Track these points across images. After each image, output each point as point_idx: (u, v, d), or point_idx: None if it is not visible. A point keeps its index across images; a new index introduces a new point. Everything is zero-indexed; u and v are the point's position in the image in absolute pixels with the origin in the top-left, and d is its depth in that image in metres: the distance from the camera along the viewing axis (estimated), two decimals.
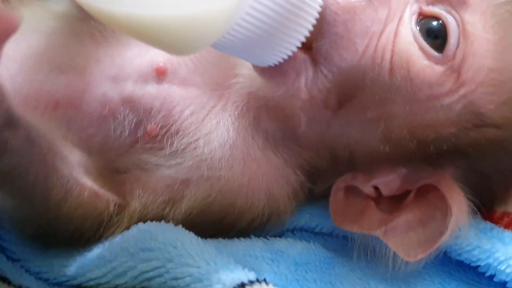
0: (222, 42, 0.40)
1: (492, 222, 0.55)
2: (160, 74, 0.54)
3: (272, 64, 0.44)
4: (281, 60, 0.43)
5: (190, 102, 0.54)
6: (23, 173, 0.44)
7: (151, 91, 0.54)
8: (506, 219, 0.55)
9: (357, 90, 0.46)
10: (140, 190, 0.52)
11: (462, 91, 0.46)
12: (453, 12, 0.46)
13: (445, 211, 0.48)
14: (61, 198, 0.48)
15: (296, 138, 0.52)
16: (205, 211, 0.52)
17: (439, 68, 0.46)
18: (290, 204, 0.54)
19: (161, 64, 0.54)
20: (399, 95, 0.46)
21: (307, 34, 0.42)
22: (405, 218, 0.50)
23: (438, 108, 0.46)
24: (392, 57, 0.46)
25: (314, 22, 0.42)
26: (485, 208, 0.54)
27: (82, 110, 0.53)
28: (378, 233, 0.50)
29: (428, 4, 0.47)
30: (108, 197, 0.52)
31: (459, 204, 0.48)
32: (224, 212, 0.53)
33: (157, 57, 0.53)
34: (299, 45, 0.42)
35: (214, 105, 0.54)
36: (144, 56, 0.54)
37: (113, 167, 0.54)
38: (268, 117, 0.53)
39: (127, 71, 0.53)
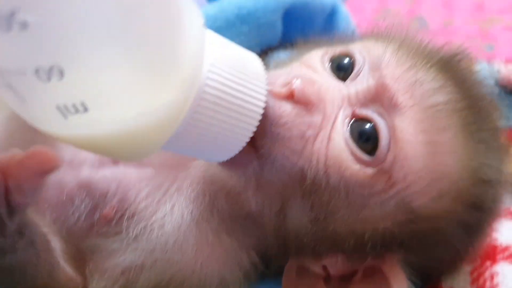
0: (170, 146, 0.41)
1: None
2: None
3: (220, 161, 0.46)
4: (228, 157, 0.45)
5: (145, 184, 0.54)
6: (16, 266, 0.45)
7: (107, 174, 0.54)
8: None
9: (298, 189, 0.48)
10: (98, 276, 0.52)
11: (394, 190, 0.48)
12: (385, 115, 0.48)
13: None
14: (46, 282, 0.48)
15: (250, 220, 0.52)
16: None
17: (370, 171, 0.47)
18: (243, 286, 0.54)
19: None
20: (336, 194, 0.48)
21: (251, 134, 0.44)
22: None
23: (373, 206, 0.48)
24: (326, 161, 0.47)
25: (257, 123, 0.44)
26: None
27: (43, 195, 0.52)
28: None
29: (361, 106, 0.49)
30: (78, 281, 0.52)
31: (400, 285, 0.50)
32: None
33: None
34: (244, 144, 0.44)
35: (169, 187, 0.54)
36: None
37: (78, 250, 0.53)
38: (223, 200, 0.53)
39: (82, 155, 0.54)
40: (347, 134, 0.48)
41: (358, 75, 0.51)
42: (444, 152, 0.48)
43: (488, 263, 0.59)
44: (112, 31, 0.34)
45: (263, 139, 0.47)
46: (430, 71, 0.50)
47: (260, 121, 0.45)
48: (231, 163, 0.48)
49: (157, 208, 0.53)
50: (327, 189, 0.48)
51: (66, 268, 0.51)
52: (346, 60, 0.52)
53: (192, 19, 0.39)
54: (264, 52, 0.74)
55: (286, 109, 0.47)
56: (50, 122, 0.37)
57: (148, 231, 0.52)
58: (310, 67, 0.52)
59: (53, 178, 0.50)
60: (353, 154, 0.48)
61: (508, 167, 0.65)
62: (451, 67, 0.53)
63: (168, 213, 0.53)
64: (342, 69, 0.52)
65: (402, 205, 0.48)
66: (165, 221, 0.53)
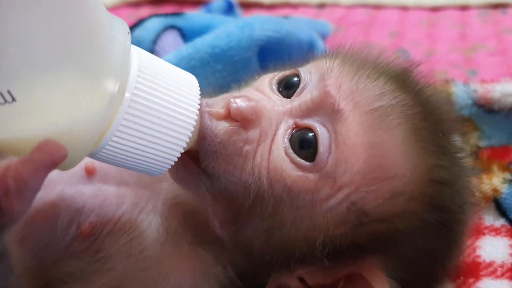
0: (98, 156, 0.43)
1: None
2: (89, 173, 0.55)
3: (156, 175, 0.46)
4: (163, 172, 0.46)
5: (122, 201, 0.54)
6: None
7: (83, 190, 0.54)
8: None
9: (248, 202, 0.49)
10: None
11: (342, 194, 0.48)
12: (327, 122, 0.49)
13: None
14: None
15: (219, 239, 0.52)
16: None
17: (312, 176, 0.48)
18: None
19: (89, 164, 0.55)
20: (284, 205, 0.48)
21: (181, 149, 0.45)
22: None
23: (323, 212, 0.48)
24: (268, 172, 0.48)
25: (188, 138, 0.45)
26: None
27: None
28: None
29: (303, 117, 0.50)
30: None
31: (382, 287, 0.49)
32: None
33: None
34: (176, 159, 0.45)
35: (145, 205, 0.55)
36: None
37: (48, 281, 0.53)
38: (192, 219, 0.54)
39: (54, 172, 0.53)
40: (287, 144, 0.49)
41: (304, 89, 0.52)
42: (392, 152, 0.48)
43: (471, 280, 0.57)
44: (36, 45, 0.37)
45: (205, 158, 0.48)
46: (376, 79, 0.51)
47: (200, 141, 0.47)
48: (184, 182, 0.51)
49: (135, 225, 0.53)
50: (272, 199, 0.48)
51: None
52: (294, 79, 0.53)
53: (116, 36, 0.41)
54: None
55: (221, 128, 0.48)
56: None
57: (127, 249, 0.52)
58: (258, 90, 0.53)
59: None
60: (293, 162, 0.48)
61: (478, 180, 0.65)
62: (403, 78, 0.53)
63: (145, 229, 0.53)
64: (290, 88, 0.53)
65: (354, 209, 0.48)
66: (144, 237, 0.53)
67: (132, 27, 0.84)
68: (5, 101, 0.37)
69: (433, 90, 0.57)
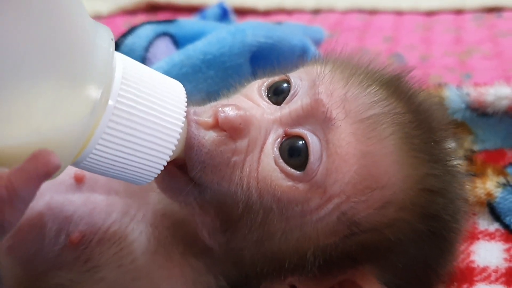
0: (82, 165, 0.42)
1: None
2: (78, 182, 0.54)
3: (142, 184, 0.46)
4: (149, 181, 0.46)
5: (112, 210, 0.54)
6: None
7: (72, 198, 0.54)
8: None
9: (238, 213, 0.48)
10: None
11: (332, 204, 0.47)
12: (319, 130, 0.48)
13: None
14: None
15: (209, 249, 0.52)
16: None
17: (303, 186, 0.47)
18: None
19: (78, 172, 0.54)
20: (273, 216, 0.48)
21: (167, 158, 0.45)
22: None
23: (313, 222, 0.48)
24: (257, 183, 0.48)
25: (173, 147, 0.44)
26: None
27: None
28: None
29: (293, 125, 0.49)
30: None
31: None
32: None
33: None
34: (161, 168, 0.45)
35: (135, 215, 0.54)
36: None
37: None
38: (182, 230, 0.53)
39: None
40: (276, 153, 0.48)
41: (294, 96, 0.51)
42: (384, 162, 0.48)
43: (465, 286, 0.57)
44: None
45: (192, 168, 0.48)
46: (368, 87, 0.50)
47: (187, 150, 0.47)
48: (171, 192, 0.50)
49: (126, 234, 0.53)
50: (261, 210, 0.48)
51: None
52: (284, 85, 0.52)
53: (99, 43, 0.41)
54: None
55: (209, 137, 0.48)
56: None
57: (117, 258, 0.52)
58: (247, 97, 0.53)
59: None
60: (283, 171, 0.48)
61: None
62: (395, 84, 0.53)
63: (136, 239, 0.53)
64: (279, 94, 0.52)
65: (345, 219, 0.48)
66: (134, 247, 0.52)
67: (125, 35, 0.84)
68: None
69: (425, 96, 0.56)
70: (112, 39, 0.42)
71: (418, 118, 0.51)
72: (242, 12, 1.30)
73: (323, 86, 0.50)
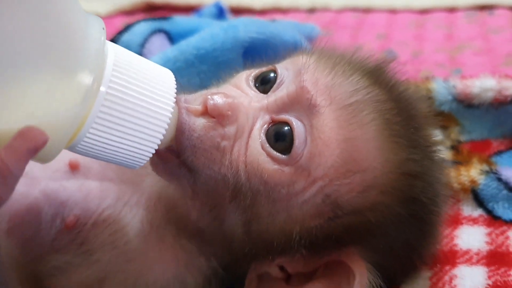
0: (76, 149, 0.44)
1: None
2: (73, 168, 0.57)
3: (135, 167, 0.47)
4: (141, 165, 0.47)
5: (106, 195, 0.56)
6: None
7: (67, 184, 0.56)
8: None
9: (227, 195, 0.51)
10: None
11: (316, 187, 0.50)
12: (303, 116, 0.50)
13: (349, 279, 0.51)
14: None
15: (200, 231, 0.54)
16: None
17: (288, 169, 0.49)
18: None
19: (73, 159, 0.56)
20: (261, 198, 0.50)
21: (158, 142, 0.46)
22: (313, 286, 0.52)
23: (299, 204, 0.50)
24: (246, 167, 0.50)
25: (164, 131, 0.46)
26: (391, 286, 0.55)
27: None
28: None
29: (279, 112, 0.51)
30: None
31: (361, 272, 0.50)
32: None
33: (69, 151, 0.55)
34: (152, 153, 0.46)
35: (129, 199, 0.56)
36: None
37: (35, 273, 0.54)
38: (174, 212, 0.55)
39: (39, 166, 0.54)
40: (263, 138, 0.51)
41: (281, 85, 0.53)
42: (365, 147, 0.50)
43: (447, 267, 0.58)
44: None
45: (183, 153, 0.50)
46: (351, 75, 0.52)
47: (178, 135, 0.49)
48: (165, 175, 0.52)
49: (119, 218, 0.55)
50: (249, 192, 0.50)
51: None
52: (271, 75, 0.55)
53: (90, 32, 0.43)
54: None
55: (199, 123, 0.50)
56: None
57: (111, 241, 0.54)
58: (236, 86, 0.55)
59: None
60: (269, 156, 0.50)
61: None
62: (377, 74, 0.55)
63: (129, 222, 0.55)
64: (266, 83, 0.54)
65: (328, 201, 0.50)
66: (128, 230, 0.54)
67: (121, 32, 0.86)
68: None
69: (405, 86, 0.58)
70: (103, 28, 0.44)
71: (399, 106, 0.53)
72: (238, 11, 1.32)
73: (308, 74, 0.52)
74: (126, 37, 0.85)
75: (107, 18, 1.34)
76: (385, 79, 0.55)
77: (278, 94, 0.52)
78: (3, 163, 0.39)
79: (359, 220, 0.50)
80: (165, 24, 0.88)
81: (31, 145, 0.39)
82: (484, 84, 0.75)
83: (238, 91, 0.54)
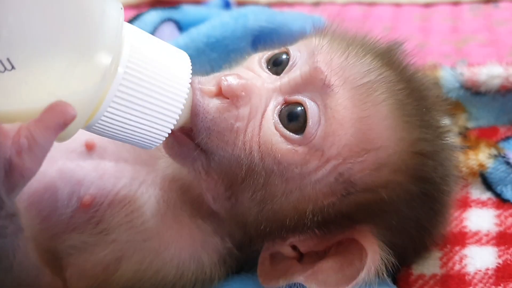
0: (93, 129, 0.45)
1: (408, 284, 0.58)
2: (89, 149, 0.57)
3: (150, 148, 0.48)
4: (156, 145, 0.47)
5: (121, 175, 0.57)
6: (3, 257, 0.47)
7: (83, 164, 0.57)
8: (420, 282, 0.58)
9: (241, 176, 0.51)
10: (78, 277, 0.54)
11: (329, 166, 0.50)
12: (317, 96, 0.51)
13: (362, 257, 0.51)
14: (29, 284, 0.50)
15: (215, 212, 0.55)
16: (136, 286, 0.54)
17: (301, 149, 0.50)
18: (218, 271, 0.56)
19: (89, 140, 0.57)
20: (275, 177, 0.51)
21: (173, 123, 0.47)
22: (325, 264, 0.53)
23: (312, 183, 0.51)
24: (259, 147, 0.51)
25: (179, 112, 0.46)
26: (403, 266, 0.57)
27: None
28: (300, 279, 0.52)
29: (293, 93, 0.52)
30: (59, 283, 0.54)
31: (373, 249, 0.51)
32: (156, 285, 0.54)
33: (85, 132, 0.56)
34: (167, 133, 0.47)
35: (144, 180, 0.57)
36: None
37: (53, 255, 0.55)
38: (188, 194, 0.56)
39: (56, 146, 0.55)
40: (276, 119, 0.51)
41: (293, 67, 0.54)
42: (378, 126, 0.50)
43: (457, 248, 0.59)
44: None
45: (198, 134, 0.50)
46: (364, 57, 0.53)
47: (193, 117, 0.49)
48: (180, 157, 0.53)
49: (135, 198, 0.56)
50: (263, 172, 0.51)
51: (46, 270, 0.53)
52: (283, 57, 0.55)
53: (109, 12, 0.43)
54: None
55: (213, 105, 0.50)
56: None
57: (128, 221, 0.55)
58: (248, 69, 0.56)
59: None
60: (283, 136, 0.51)
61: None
62: (388, 55, 0.56)
63: (146, 202, 0.56)
64: (278, 65, 0.55)
65: (341, 180, 0.50)
66: (144, 209, 0.55)
67: (131, 21, 0.87)
68: (5, 68, 0.40)
69: (416, 68, 0.59)
70: (121, 8, 0.45)
71: (410, 87, 0.54)
72: (244, 4, 1.32)
73: (321, 55, 0.52)
74: (136, 25, 0.85)
75: None
76: (397, 61, 0.56)
77: (291, 75, 0.53)
78: (32, 135, 0.40)
79: (371, 198, 0.51)
80: (174, 13, 0.89)
81: (61, 119, 0.40)
82: (491, 72, 0.75)
83: (251, 73, 0.55)
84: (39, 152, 0.41)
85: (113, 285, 0.54)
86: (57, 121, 0.40)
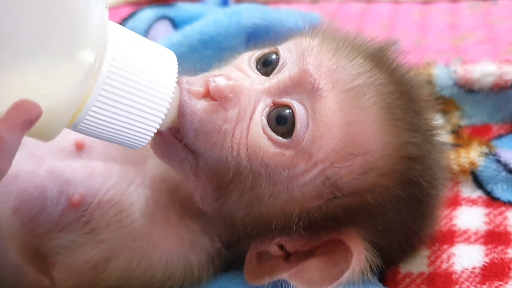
0: (78, 128, 0.44)
1: (395, 282, 0.58)
2: (79, 148, 0.57)
3: (136, 147, 0.47)
4: (142, 145, 0.47)
5: (110, 175, 0.57)
6: None
7: (72, 164, 0.57)
8: (407, 280, 0.58)
9: (229, 177, 0.51)
10: (66, 276, 0.54)
11: (317, 170, 0.50)
12: (306, 100, 0.51)
13: (347, 257, 0.51)
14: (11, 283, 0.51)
15: (203, 212, 0.55)
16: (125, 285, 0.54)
17: (289, 152, 0.50)
18: (207, 271, 0.56)
19: (79, 139, 0.57)
20: (262, 180, 0.51)
21: (158, 123, 0.46)
22: (311, 263, 0.53)
23: (299, 186, 0.51)
24: (247, 150, 0.50)
25: (164, 112, 0.46)
26: (390, 265, 0.57)
27: (7, 189, 0.54)
28: (284, 276, 0.52)
29: (281, 95, 0.52)
30: (45, 282, 0.54)
31: (359, 250, 0.51)
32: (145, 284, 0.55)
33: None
34: (153, 133, 0.46)
35: (133, 179, 0.57)
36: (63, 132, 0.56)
37: (41, 250, 0.55)
38: (177, 194, 0.56)
39: (46, 146, 0.56)
40: (264, 121, 0.51)
41: (283, 67, 0.53)
42: (366, 130, 0.50)
43: (445, 246, 0.59)
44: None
45: (185, 135, 0.50)
46: (354, 59, 0.52)
47: (180, 118, 0.49)
48: (168, 157, 0.53)
49: (124, 197, 0.56)
50: (250, 175, 0.50)
51: (29, 269, 0.53)
52: (273, 57, 0.55)
53: (93, 10, 0.43)
54: None
55: (200, 106, 0.50)
56: None
57: (117, 220, 0.55)
58: (238, 68, 0.55)
59: (15, 169, 0.54)
60: (271, 139, 0.50)
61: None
62: (379, 57, 0.55)
63: (134, 201, 0.56)
64: (268, 65, 0.55)
65: (328, 183, 0.50)
66: (133, 209, 0.55)
67: (126, 19, 0.87)
68: None
69: (407, 69, 0.59)
70: (106, 7, 0.44)
71: (400, 89, 0.53)
72: (241, 1, 1.33)
73: (311, 57, 0.52)
74: (131, 23, 0.86)
75: (114, 8, 1.35)
76: (387, 62, 0.56)
77: (280, 76, 0.52)
78: None
79: (358, 202, 0.51)
80: (169, 11, 0.89)
81: (26, 118, 0.39)
82: (484, 69, 0.76)
83: (240, 73, 0.54)
84: (7, 151, 0.40)
85: (102, 284, 0.54)
86: (22, 119, 0.39)
